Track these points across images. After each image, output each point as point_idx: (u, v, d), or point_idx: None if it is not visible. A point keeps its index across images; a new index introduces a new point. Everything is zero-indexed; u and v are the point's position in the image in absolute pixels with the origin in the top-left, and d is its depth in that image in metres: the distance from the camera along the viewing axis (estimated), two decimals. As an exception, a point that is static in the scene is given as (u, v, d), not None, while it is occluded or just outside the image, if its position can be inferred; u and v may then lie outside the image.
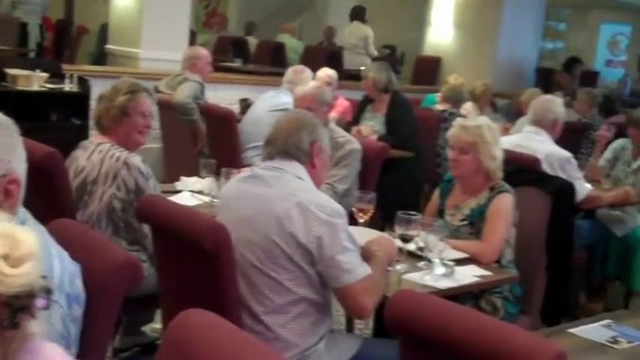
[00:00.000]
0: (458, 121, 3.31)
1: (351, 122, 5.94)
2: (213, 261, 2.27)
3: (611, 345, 2.33)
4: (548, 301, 3.39)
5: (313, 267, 2.40)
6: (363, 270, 2.42)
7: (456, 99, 6.55)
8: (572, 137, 5.76)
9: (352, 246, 2.43)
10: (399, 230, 2.86)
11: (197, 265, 2.36)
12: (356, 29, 10.31)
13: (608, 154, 5.12)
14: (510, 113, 7.78)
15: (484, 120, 3.29)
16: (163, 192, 3.46)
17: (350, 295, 2.40)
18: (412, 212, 2.88)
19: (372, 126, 5.77)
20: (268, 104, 5.38)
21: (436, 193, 3.43)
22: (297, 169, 2.53)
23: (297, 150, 2.54)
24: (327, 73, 6.04)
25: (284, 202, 2.41)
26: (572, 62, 9.74)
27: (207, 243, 2.24)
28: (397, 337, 1.81)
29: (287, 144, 2.54)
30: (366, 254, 2.56)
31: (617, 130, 5.63)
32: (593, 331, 2.43)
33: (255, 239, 2.43)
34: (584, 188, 4.28)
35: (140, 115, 3.22)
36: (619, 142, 5.13)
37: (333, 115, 5.57)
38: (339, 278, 2.38)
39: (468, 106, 6.88)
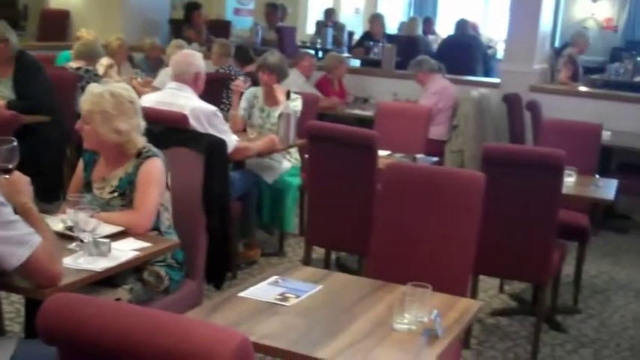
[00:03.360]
0: (91, 85, 3.03)
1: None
2: None
3: (281, 303, 2.32)
4: (211, 261, 3.33)
5: None
6: (36, 237, 2.25)
7: (89, 55, 6.16)
8: (212, 89, 5.76)
9: (16, 217, 2.25)
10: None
11: None
12: None
13: (243, 103, 5.22)
14: (148, 66, 7.59)
15: (112, 87, 2.98)
16: None
17: (38, 266, 2.24)
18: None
19: (0, 92, 5.16)
20: None
21: (80, 165, 3.12)
22: None
23: None
24: None
25: None
26: (191, 8, 9.73)
27: None
28: (57, 350, 1.54)
29: None
30: (21, 211, 2.33)
31: (252, 80, 5.78)
32: (262, 291, 2.39)
33: None
34: (231, 140, 4.28)
35: None
36: (250, 91, 5.28)
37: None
38: (16, 254, 2.19)
39: (104, 62, 6.53)
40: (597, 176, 4.58)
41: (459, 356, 3.05)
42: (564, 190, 3.97)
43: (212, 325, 1.42)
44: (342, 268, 4.89)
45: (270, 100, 5.11)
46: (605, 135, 5.75)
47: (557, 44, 10.00)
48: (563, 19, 13.10)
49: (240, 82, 5.21)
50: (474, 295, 3.93)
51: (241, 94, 5.30)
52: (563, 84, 7.78)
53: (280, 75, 5.08)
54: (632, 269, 5.43)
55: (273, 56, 5.18)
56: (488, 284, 4.74)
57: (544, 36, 7.50)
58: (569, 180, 4.22)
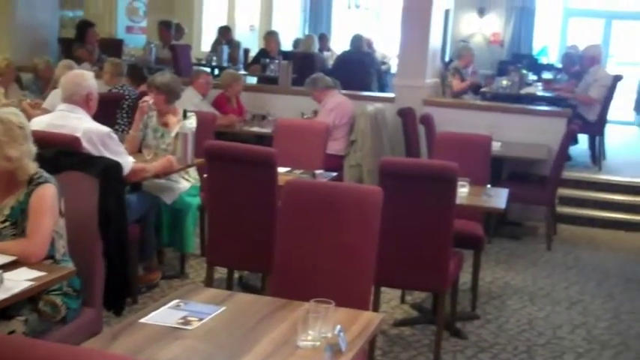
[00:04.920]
0: None
1: None
2: None
3: (184, 327, 2.28)
4: (110, 287, 3.24)
5: None
6: None
7: (-26, 78, 5.92)
8: (106, 109, 5.63)
9: None
10: None
11: None
12: None
13: (140, 124, 5.09)
14: (37, 87, 7.35)
15: (1, 112, 2.88)
16: None
17: None
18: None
19: None
20: None
21: (-32, 194, 2.99)
22: None
23: None
24: None
25: None
26: (83, 27, 9.52)
27: None
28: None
29: None
30: None
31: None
32: (164, 315, 2.35)
33: None
34: (127, 162, 4.19)
35: None
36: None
37: None
38: None
39: (-10, 85, 6.28)
40: (489, 186, 4.75)
41: (364, 369, 3.09)
42: (458, 201, 4.10)
43: (111, 355, 1.38)
44: (246, 287, 4.86)
45: (164, 120, 5.03)
46: (496, 145, 5.98)
47: (447, 59, 10.34)
48: (452, 35, 13.59)
49: (149, 97, 5.02)
50: (376, 307, 3.99)
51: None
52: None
53: (170, 95, 4.99)
54: (526, 274, 5.65)
55: (163, 76, 5.09)
56: (390, 295, 4.82)
57: (434, 51, 7.74)
58: (463, 190, 4.36)
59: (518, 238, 6.61)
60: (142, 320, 2.31)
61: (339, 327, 2.25)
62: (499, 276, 5.56)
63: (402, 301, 4.85)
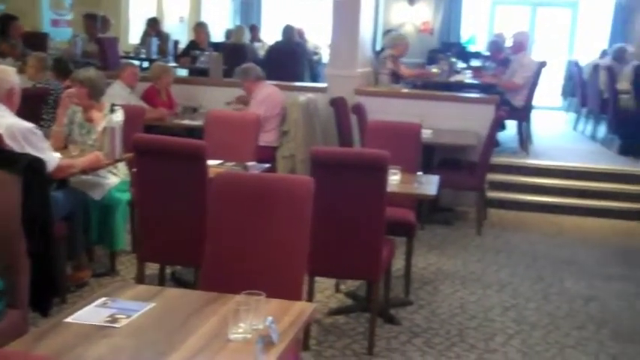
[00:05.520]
0: None
1: None
2: None
3: (111, 325, 2.24)
4: (36, 287, 3.16)
5: None
6: None
7: None
8: (30, 105, 5.48)
9: None
10: None
11: None
12: None
13: (64, 119, 4.98)
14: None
15: None
16: None
17: None
18: None
19: None
20: None
21: None
22: None
23: None
24: None
25: None
26: (7, 21, 9.26)
27: None
28: None
29: None
30: None
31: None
32: (90, 314, 2.30)
33: None
34: (52, 158, 4.09)
35: None
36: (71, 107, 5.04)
37: None
38: None
39: None
40: (420, 173, 4.81)
41: (298, 358, 3.09)
42: (390, 189, 4.12)
43: (35, 357, 1.34)
44: (179, 282, 4.81)
45: (89, 116, 4.92)
46: (427, 133, 6.05)
47: (378, 48, 10.40)
48: (383, 24, 13.68)
49: (73, 90, 4.88)
50: (310, 297, 4.00)
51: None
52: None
53: (93, 90, 4.88)
54: (458, 259, 5.75)
55: (87, 71, 4.99)
56: (324, 285, 4.83)
57: (365, 41, 7.78)
58: (394, 178, 4.40)
59: (450, 223, 6.72)
60: (68, 319, 2.26)
61: (270, 318, 2.24)
62: (432, 262, 5.64)
63: (337, 290, 4.87)
